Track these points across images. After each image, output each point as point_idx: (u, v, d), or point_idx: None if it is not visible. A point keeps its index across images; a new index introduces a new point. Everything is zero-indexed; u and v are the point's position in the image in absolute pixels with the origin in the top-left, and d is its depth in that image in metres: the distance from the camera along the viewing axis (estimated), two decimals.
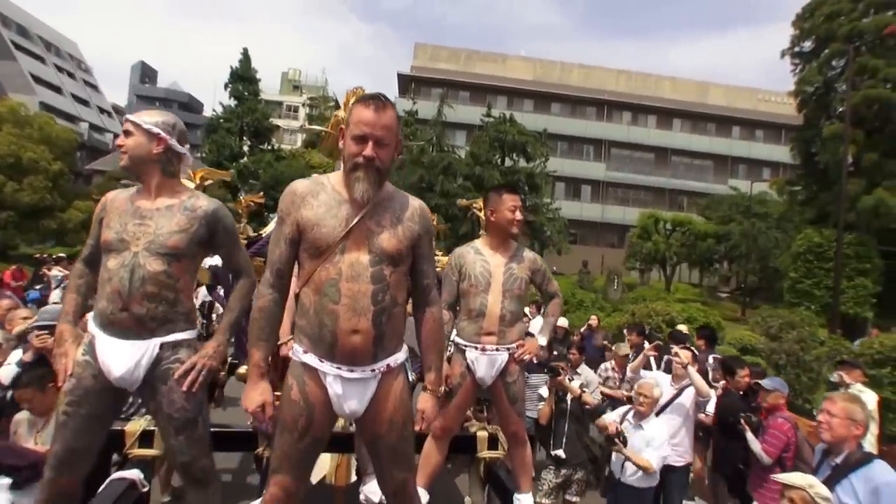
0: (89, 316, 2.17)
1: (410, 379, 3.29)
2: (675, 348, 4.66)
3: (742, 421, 4.10)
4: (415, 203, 2.09)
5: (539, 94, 41.08)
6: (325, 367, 1.90)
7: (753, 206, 26.88)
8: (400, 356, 2.03)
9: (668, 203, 39.04)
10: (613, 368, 5.93)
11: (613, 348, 6.44)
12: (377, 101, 1.94)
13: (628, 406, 4.42)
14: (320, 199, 1.95)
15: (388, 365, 1.97)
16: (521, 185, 25.23)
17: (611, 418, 4.26)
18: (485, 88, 39.76)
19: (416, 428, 2.12)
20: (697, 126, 42.44)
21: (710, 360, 5.80)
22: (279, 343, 2.76)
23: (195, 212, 2.13)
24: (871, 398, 4.98)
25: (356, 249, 1.90)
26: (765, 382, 4.30)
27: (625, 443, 3.92)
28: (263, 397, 1.94)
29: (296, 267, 2.05)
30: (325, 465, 3.51)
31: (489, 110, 29.03)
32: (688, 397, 4.44)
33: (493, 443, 3.37)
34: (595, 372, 5.85)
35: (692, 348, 5.02)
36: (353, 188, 1.91)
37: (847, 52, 18.23)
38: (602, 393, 5.58)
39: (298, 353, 1.96)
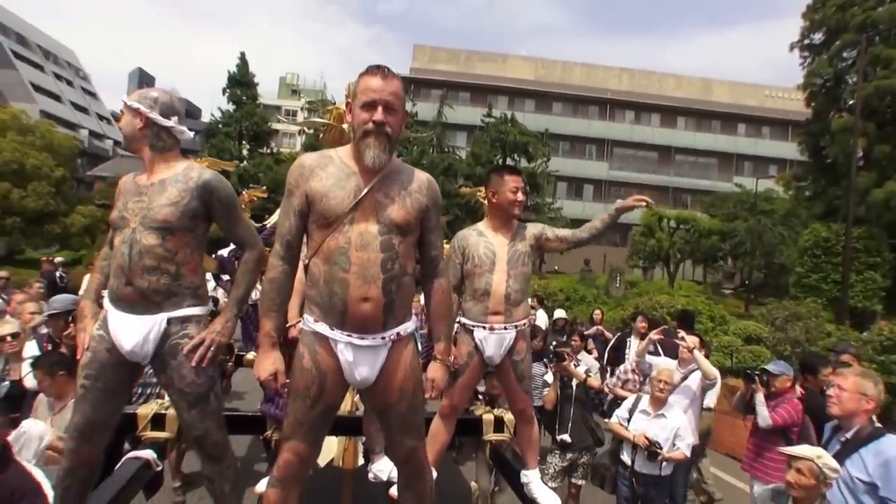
0: (104, 292, 2.20)
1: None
2: (682, 333, 4.66)
3: (757, 380, 4.11)
4: (422, 176, 2.10)
5: (540, 93, 41.02)
6: (336, 334, 1.92)
7: (759, 204, 26.79)
8: (409, 325, 2.04)
9: (671, 201, 38.97)
10: (633, 370, 5.56)
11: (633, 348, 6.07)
12: (383, 69, 1.96)
13: (633, 396, 4.38)
14: (329, 171, 1.97)
15: (397, 333, 1.98)
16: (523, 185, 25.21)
17: (622, 416, 4.21)
18: (485, 89, 39.76)
19: (426, 396, 2.14)
20: (702, 124, 42.29)
21: None
22: (287, 325, 2.78)
23: (187, 184, 2.11)
24: None
25: (364, 220, 1.91)
26: (771, 367, 4.30)
27: (659, 446, 3.86)
28: (275, 366, 1.97)
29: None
30: (332, 448, 3.54)
31: (490, 111, 29.02)
32: (694, 381, 4.46)
33: (498, 425, 3.40)
34: (614, 375, 5.76)
35: (699, 334, 5.01)
36: (363, 155, 1.92)
37: (859, 43, 18.00)
38: (620, 397, 5.39)
39: (309, 322, 1.97)
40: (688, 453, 3.95)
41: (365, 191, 1.92)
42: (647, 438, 3.89)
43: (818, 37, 23.40)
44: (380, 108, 1.89)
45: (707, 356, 4.85)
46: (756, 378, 4.16)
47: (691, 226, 27.63)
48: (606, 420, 4.61)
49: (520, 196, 2.87)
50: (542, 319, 9.16)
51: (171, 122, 2.19)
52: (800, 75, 23.87)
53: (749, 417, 4.40)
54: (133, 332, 2.03)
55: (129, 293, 2.03)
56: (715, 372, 4.44)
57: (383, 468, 3.04)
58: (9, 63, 41.85)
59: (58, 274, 10.64)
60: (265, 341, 1.99)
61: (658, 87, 43.07)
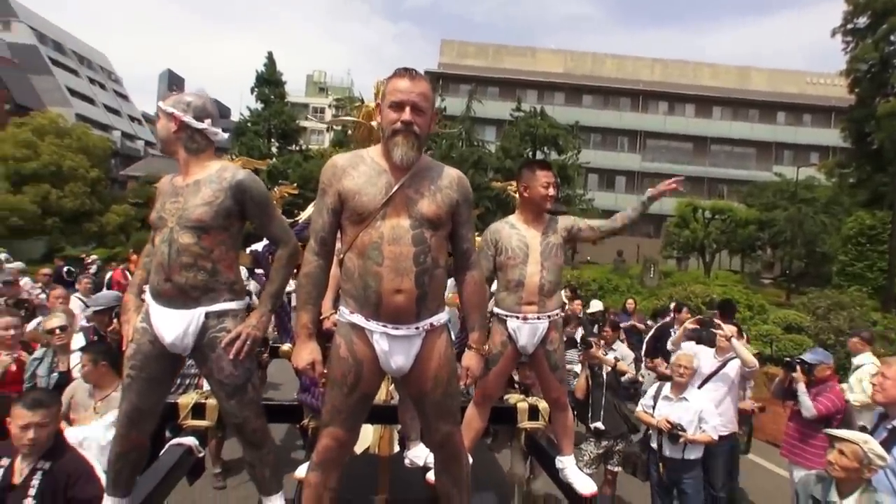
0: (146, 287, 2.29)
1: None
2: (718, 321, 4.63)
3: (798, 368, 4.04)
4: (453, 172, 2.14)
5: (570, 86, 40.51)
6: (371, 325, 1.97)
7: (800, 192, 26.04)
8: (443, 316, 2.08)
9: (706, 192, 38.07)
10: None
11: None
12: (411, 71, 2.03)
13: (657, 384, 4.41)
14: (360, 169, 2.03)
15: (431, 324, 2.03)
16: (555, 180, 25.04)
17: (647, 404, 4.24)
18: (514, 83, 39.33)
19: (461, 384, 2.18)
20: (739, 113, 41.13)
21: None
22: (321, 317, 2.83)
23: (221, 184, 2.17)
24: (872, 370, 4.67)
25: (396, 215, 1.96)
26: (807, 357, 4.24)
27: (681, 428, 3.91)
28: (312, 356, 2.04)
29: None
30: (368, 436, 3.60)
31: (519, 105, 28.83)
32: (732, 368, 4.42)
33: (533, 413, 3.43)
34: None
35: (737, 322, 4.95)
36: (392, 153, 1.97)
37: None
38: None
39: (345, 314, 2.03)
40: (715, 436, 3.96)
41: (396, 187, 1.97)
42: (668, 422, 3.94)
43: (863, 21, 22.70)
44: (408, 109, 1.95)
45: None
46: (797, 367, 4.09)
47: (727, 216, 27.00)
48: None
49: (551, 191, 2.90)
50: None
51: (205, 125, 2.25)
52: (842, 61, 23.15)
53: (788, 403, 4.35)
54: (173, 325, 2.11)
55: (169, 289, 2.11)
56: (754, 360, 4.39)
57: (419, 454, 3.10)
58: (46, 70, 43.45)
59: (64, 269, 11.16)
60: (302, 333, 2.06)
61: (692, 77, 42.06)
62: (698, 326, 4.82)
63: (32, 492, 2.34)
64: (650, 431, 4.22)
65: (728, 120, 40.89)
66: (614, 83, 40.75)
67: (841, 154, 28.85)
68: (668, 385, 4.21)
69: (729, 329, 4.48)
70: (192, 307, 2.12)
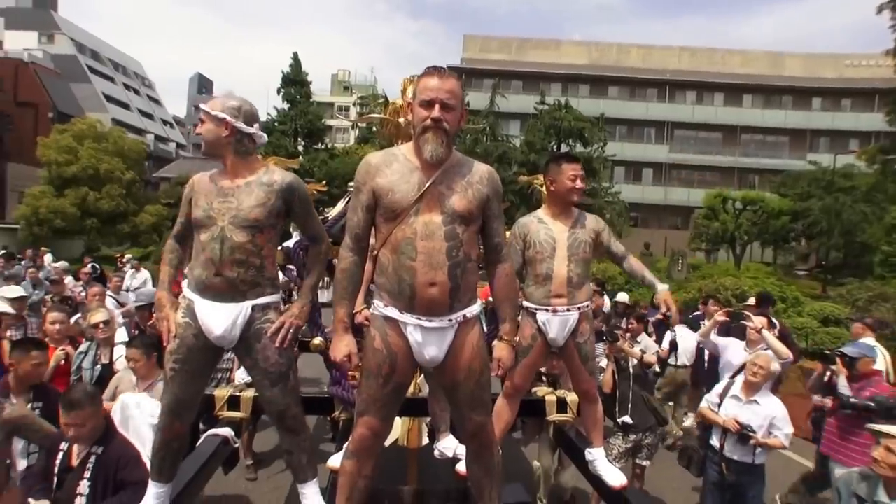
0: (184, 283, 2.38)
1: None
2: (748, 313, 4.54)
3: (839, 360, 3.91)
4: (483, 167, 2.19)
5: (595, 78, 39.95)
6: (405, 317, 2.03)
7: (837, 181, 25.14)
8: (475, 308, 2.13)
9: (737, 182, 37.20)
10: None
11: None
12: (441, 69, 2.08)
13: (725, 382, 4.19)
14: (393, 167, 2.08)
15: (464, 316, 2.08)
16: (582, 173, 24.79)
17: (712, 401, 4.03)
18: (538, 76, 39.03)
19: (493, 374, 2.22)
20: (771, 100, 39.95)
21: None
22: (353, 312, 2.90)
23: (272, 186, 2.27)
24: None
25: (429, 211, 2.01)
26: (848, 350, 4.09)
27: (752, 430, 3.70)
28: (349, 348, 2.11)
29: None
30: (396, 429, 3.65)
31: (543, 98, 28.62)
32: None
33: (562, 406, 3.45)
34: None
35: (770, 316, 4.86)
36: (423, 150, 2.03)
37: None
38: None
39: (380, 307, 2.09)
40: (786, 443, 3.74)
41: (428, 184, 2.02)
42: (738, 423, 3.73)
43: None
44: (437, 106, 2.00)
45: (785, 339, 4.66)
46: (836, 360, 3.96)
47: (759, 206, 26.30)
48: (670, 403, 4.54)
49: (578, 183, 2.90)
50: (606, 306, 9.03)
51: (254, 129, 2.34)
52: (887, 40, 21.90)
53: (822, 400, 4.23)
54: (222, 318, 2.20)
55: (219, 283, 2.20)
56: (787, 351, 4.29)
57: (449, 445, 3.14)
58: (85, 78, 45.17)
59: (89, 266, 11.56)
60: (339, 326, 2.13)
61: (722, 65, 41.09)
62: (727, 318, 4.73)
63: (88, 474, 2.54)
64: (710, 429, 3.98)
65: (759, 108, 39.77)
66: (640, 73, 40.07)
67: (885, 139, 27.56)
68: (737, 383, 3.96)
69: (759, 321, 4.39)
70: (239, 301, 2.21)
